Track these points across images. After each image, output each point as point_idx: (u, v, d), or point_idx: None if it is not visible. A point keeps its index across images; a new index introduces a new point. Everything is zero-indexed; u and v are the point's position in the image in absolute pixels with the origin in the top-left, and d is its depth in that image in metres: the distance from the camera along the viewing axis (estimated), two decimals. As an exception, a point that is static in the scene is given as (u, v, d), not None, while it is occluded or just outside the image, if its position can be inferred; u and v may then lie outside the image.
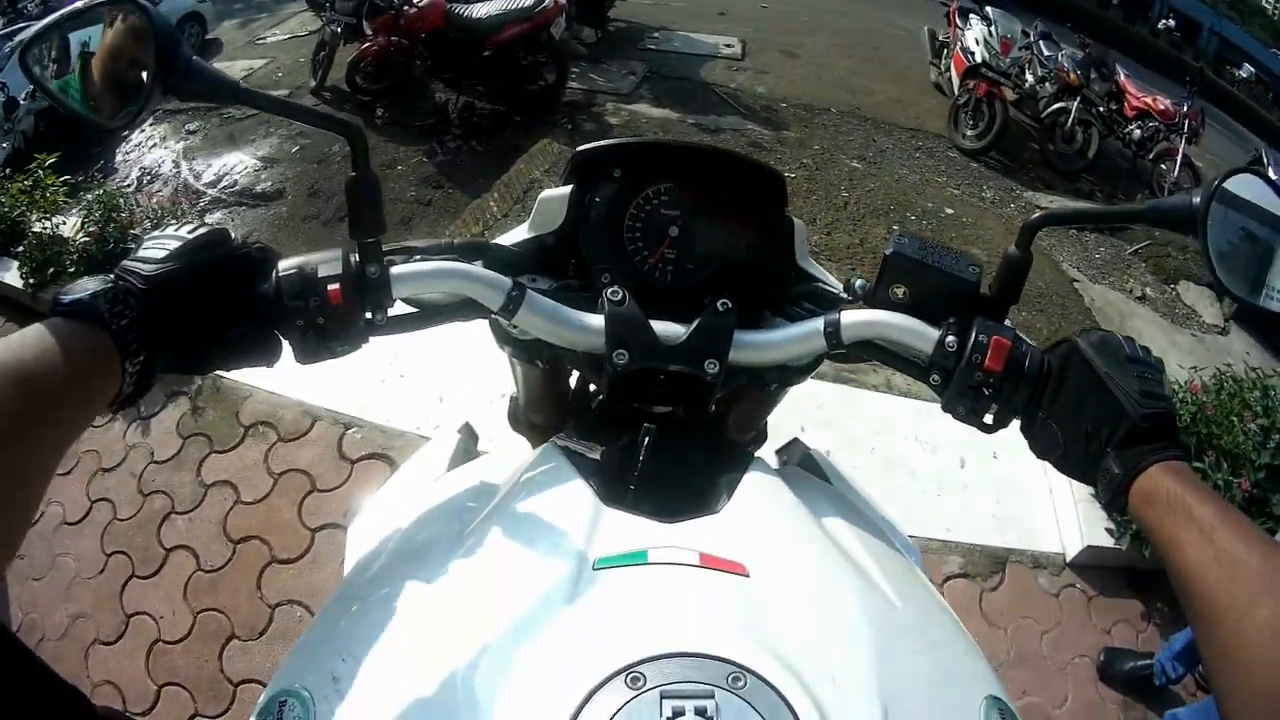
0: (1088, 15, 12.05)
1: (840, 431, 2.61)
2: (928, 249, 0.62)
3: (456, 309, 0.63)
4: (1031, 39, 6.46)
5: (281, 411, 2.57)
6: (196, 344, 0.54)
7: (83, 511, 2.38)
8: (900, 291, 0.62)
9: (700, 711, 0.40)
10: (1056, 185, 5.62)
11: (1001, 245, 2.67)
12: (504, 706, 0.42)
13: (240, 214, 4.24)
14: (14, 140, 4.82)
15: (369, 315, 0.58)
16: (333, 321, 0.55)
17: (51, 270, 3.00)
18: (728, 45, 6.75)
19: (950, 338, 0.59)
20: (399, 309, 0.60)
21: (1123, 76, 6.51)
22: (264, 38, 6.90)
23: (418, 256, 0.61)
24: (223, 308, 0.54)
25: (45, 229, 3.15)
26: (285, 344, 0.58)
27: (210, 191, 4.42)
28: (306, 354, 0.57)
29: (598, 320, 0.62)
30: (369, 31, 4.75)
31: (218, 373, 0.65)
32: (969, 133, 5.59)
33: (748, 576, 0.50)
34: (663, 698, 0.41)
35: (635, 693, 0.41)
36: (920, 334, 0.60)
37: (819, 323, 0.63)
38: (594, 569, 0.50)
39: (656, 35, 6.75)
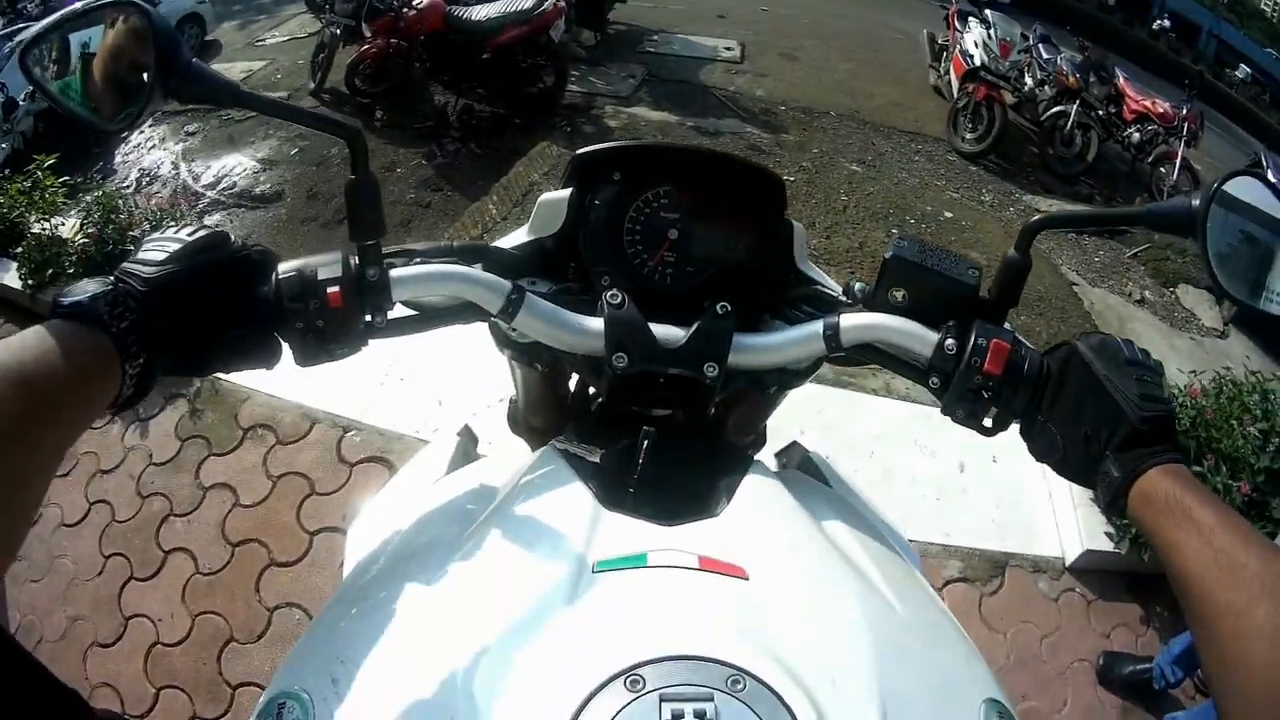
0: (1087, 18, 12.05)
1: (840, 435, 2.61)
2: (927, 252, 0.62)
3: (456, 312, 0.63)
4: (1030, 42, 6.47)
5: (280, 414, 2.56)
6: (196, 346, 0.54)
7: (81, 513, 2.38)
8: (899, 295, 0.62)
9: (699, 714, 0.40)
10: (1056, 189, 5.62)
11: (1000, 248, 2.68)
12: (503, 709, 0.42)
13: (239, 216, 4.24)
14: (13, 141, 4.81)
15: (368, 318, 0.58)
16: (332, 324, 0.55)
17: (50, 271, 3.00)
18: (727, 48, 6.75)
19: (949, 341, 0.59)
20: (398, 312, 0.60)
21: (1122, 80, 6.51)
22: (263, 39, 6.90)
23: (417, 259, 0.62)
24: (222, 310, 0.54)
25: (44, 230, 3.15)
26: (285, 346, 0.58)
27: (209, 193, 4.42)
28: (306, 356, 0.57)
29: (597, 323, 0.62)
30: (368, 34, 4.75)
31: (217, 375, 0.65)
32: (968, 136, 5.59)
33: (747, 579, 0.50)
34: (662, 700, 0.40)
35: (634, 695, 0.41)
36: (919, 337, 0.60)
37: (818, 326, 0.63)
38: (593, 572, 0.50)
39: (656, 38, 6.75)
